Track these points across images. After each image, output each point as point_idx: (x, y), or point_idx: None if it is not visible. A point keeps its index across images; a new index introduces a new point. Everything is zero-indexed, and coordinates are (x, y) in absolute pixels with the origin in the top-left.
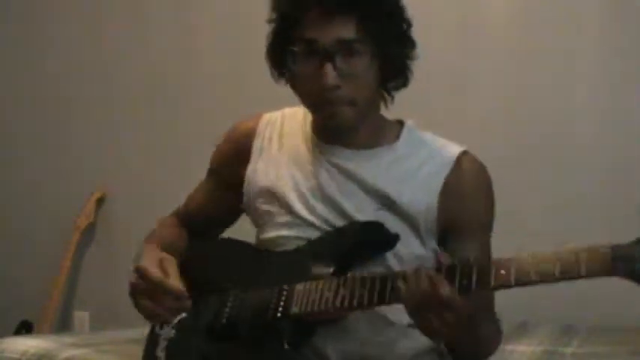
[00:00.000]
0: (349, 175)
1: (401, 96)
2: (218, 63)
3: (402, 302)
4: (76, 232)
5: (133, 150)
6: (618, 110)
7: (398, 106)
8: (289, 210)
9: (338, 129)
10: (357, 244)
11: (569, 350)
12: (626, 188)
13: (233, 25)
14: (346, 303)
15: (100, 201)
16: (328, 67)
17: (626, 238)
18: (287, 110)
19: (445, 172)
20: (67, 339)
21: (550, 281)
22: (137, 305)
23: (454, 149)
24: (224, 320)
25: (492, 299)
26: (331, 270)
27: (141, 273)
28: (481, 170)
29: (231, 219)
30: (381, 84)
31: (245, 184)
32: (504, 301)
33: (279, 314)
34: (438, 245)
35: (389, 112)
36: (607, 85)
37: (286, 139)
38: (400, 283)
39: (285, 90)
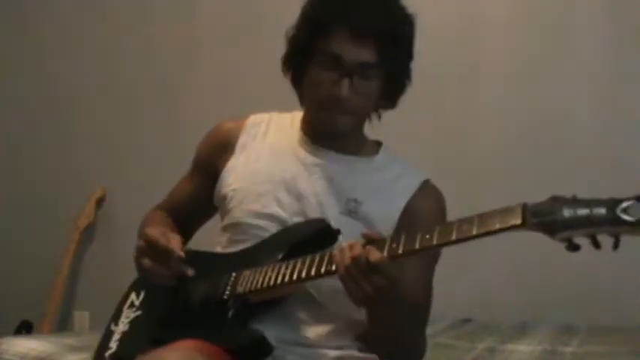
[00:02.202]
0: (326, 176)
1: (405, 96)
2: (219, 63)
3: (334, 268)
4: (75, 232)
5: (133, 150)
6: (618, 108)
7: (401, 106)
8: (258, 201)
9: (333, 134)
10: (301, 238)
11: (569, 350)
12: (625, 187)
13: (235, 25)
14: (286, 279)
15: (100, 201)
16: (346, 82)
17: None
18: (275, 114)
19: (410, 193)
20: (67, 340)
21: (470, 238)
22: (139, 265)
23: (420, 175)
24: (179, 307)
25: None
26: (279, 258)
27: (145, 237)
28: (440, 199)
29: (213, 210)
30: (378, 102)
31: (222, 176)
32: (504, 301)
33: (225, 295)
34: None
35: (396, 113)
36: (608, 84)
37: (270, 136)
38: (335, 252)
39: (284, 91)
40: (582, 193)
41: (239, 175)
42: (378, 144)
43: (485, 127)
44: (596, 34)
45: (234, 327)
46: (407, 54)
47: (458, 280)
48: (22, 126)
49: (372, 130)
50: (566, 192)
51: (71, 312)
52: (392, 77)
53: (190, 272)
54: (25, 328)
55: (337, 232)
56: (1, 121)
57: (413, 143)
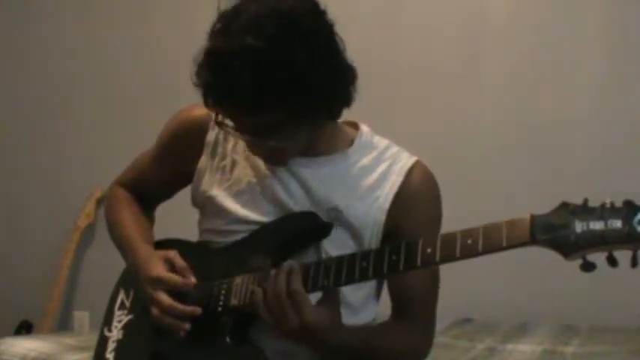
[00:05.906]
0: (303, 186)
1: (405, 96)
2: None
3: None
4: (76, 232)
5: (132, 150)
6: (618, 108)
7: (402, 105)
8: (237, 213)
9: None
10: (292, 234)
11: (569, 350)
12: (625, 185)
13: None
14: None
15: (100, 201)
16: (262, 149)
17: None
18: None
19: (396, 185)
20: (67, 340)
21: (474, 256)
22: (160, 321)
23: (406, 160)
24: None
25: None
26: (269, 262)
27: (161, 285)
28: (431, 181)
29: (177, 189)
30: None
31: (195, 178)
32: (504, 301)
33: (219, 308)
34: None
35: (399, 111)
36: (608, 84)
37: None
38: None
39: None
40: (581, 193)
41: (215, 180)
42: (355, 127)
43: (484, 127)
44: (596, 35)
45: (234, 352)
46: (317, 88)
47: (458, 280)
48: (22, 126)
49: (372, 129)
50: (566, 191)
51: (71, 312)
52: (314, 114)
53: (198, 311)
54: (25, 328)
55: (330, 225)
56: (1, 121)
57: (412, 143)
